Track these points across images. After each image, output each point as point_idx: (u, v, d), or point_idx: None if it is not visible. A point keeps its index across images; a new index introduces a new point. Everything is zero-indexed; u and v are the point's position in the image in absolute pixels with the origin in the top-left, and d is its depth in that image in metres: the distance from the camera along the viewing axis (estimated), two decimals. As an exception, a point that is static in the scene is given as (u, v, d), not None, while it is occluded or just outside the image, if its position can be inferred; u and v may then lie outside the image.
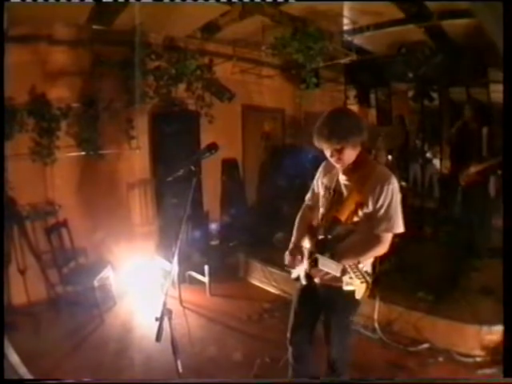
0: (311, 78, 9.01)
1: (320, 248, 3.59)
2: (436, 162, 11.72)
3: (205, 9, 7.04)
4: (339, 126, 3.39)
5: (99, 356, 5.70)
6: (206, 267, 7.54)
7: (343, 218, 3.55)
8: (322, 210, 3.84)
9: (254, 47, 9.15)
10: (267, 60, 10.19)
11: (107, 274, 7.23)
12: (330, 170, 3.89)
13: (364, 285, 3.42)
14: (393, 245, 7.49)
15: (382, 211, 3.45)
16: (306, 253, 3.81)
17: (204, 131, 8.95)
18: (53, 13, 6.37)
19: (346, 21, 8.33)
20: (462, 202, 8.44)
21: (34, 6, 5.61)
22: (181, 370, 3.11)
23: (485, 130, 7.74)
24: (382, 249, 3.59)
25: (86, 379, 4.92)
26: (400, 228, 3.55)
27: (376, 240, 3.55)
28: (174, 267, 3.22)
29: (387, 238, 3.56)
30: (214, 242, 9.26)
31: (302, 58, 8.24)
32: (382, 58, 10.69)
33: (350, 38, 8.93)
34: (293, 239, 4.07)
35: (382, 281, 6.31)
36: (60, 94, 7.37)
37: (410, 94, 12.13)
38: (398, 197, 3.49)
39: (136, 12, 6.81)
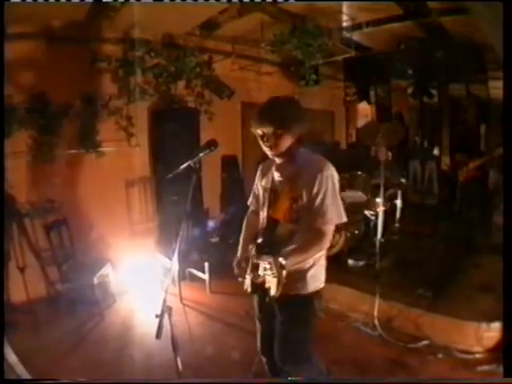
0: (311, 74, 9.04)
1: (260, 253, 3.40)
2: (435, 158, 11.76)
3: (203, 6, 7.03)
4: (283, 111, 3.32)
5: (99, 353, 5.70)
6: (206, 264, 7.53)
7: (279, 216, 3.46)
8: (262, 214, 3.72)
9: (253, 44, 9.15)
10: (266, 57, 10.20)
11: (107, 271, 7.22)
12: (266, 171, 3.80)
13: (275, 279, 3.13)
14: (392, 242, 7.52)
15: (318, 202, 3.27)
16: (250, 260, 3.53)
17: (204, 128, 8.94)
18: (52, 10, 6.37)
19: (344, 17, 8.32)
20: (462, 198, 8.45)
21: (34, 4, 5.61)
22: (181, 368, 3.11)
23: (484, 126, 7.75)
24: (325, 242, 3.37)
25: (82, 379, 4.91)
26: (341, 218, 3.37)
27: (317, 234, 3.33)
28: (175, 264, 3.22)
29: (328, 231, 3.35)
30: (214, 239, 9.26)
31: (301, 55, 8.26)
32: (381, 54, 10.70)
33: (348, 35, 8.94)
34: (239, 249, 3.92)
35: (381, 277, 6.35)
36: (59, 91, 7.35)
37: (410, 90, 12.16)
38: (334, 185, 3.33)
39: (135, 9, 6.81)
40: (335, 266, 7.32)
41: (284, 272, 3.07)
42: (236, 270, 3.66)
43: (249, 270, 3.42)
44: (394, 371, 5.10)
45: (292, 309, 3.48)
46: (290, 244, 3.38)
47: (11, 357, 4.29)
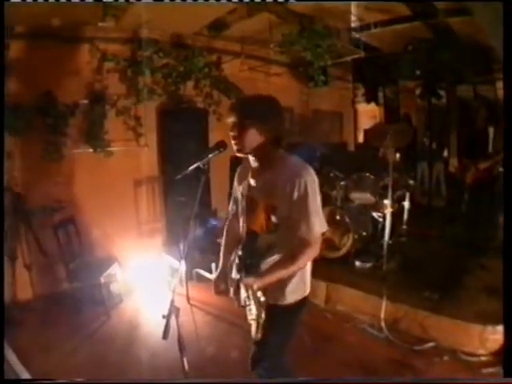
0: (319, 75, 9.06)
1: (241, 267, 3.26)
2: (443, 159, 11.75)
3: (211, 6, 7.05)
4: (252, 104, 3.20)
5: (105, 353, 5.71)
6: (213, 265, 7.53)
7: (257, 228, 3.25)
8: (241, 223, 3.49)
9: (261, 45, 9.17)
10: (275, 58, 10.21)
11: (114, 270, 7.25)
12: (243, 175, 3.53)
13: (255, 322, 3.05)
14: (400, 243, 7.48)
15: (299, 209, 3.01)
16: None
17: (212, 129, 8.95)
18: (59, 10, 6.38)
19: (353, 18, 8.32)
20: (469, 200, 8.44)
21: (43, 3, 5.63)
22: (187, 368, 3.11)
23: (492, 128, 7.74)
24: (312, 252, 3.11)
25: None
26: (323, 226, 3.12)
27: (302, 244, 3.07)
28: (182, 265, 3.17)
29: (314, 239, 3.07)
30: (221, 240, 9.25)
31: (309, 56, 8.27)
32: (389, 55, 10.70)
33: (357, 36, 8.93)
34: (220, 259, 3.81)
35: (388, 279, 6.34)
36: (67, 90, 7.41)
37: (418, 91, 12.16)
38: (315, 191, 3.06)
39: (142, 9, 6.83)
40: (342, 267, 7.36)
41: (263, 313, 2.97)
42: (215, 288, 3.64)
43: (232, 289, 3.35)
44: (399, 373, 5.10)
45: (269, 318, 3.20)
46: (271, 257, 3.20)
47: (11, 357, 4.31)
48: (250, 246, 3.25)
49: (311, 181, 3.04)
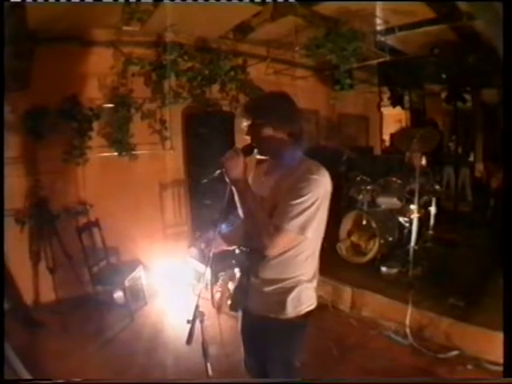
0: (345, 79, 8.99)
1: (239, 267, 3.26)
2: (469, 164, 11.66)
3: (236, 9, 7.04)
4: (265, 102, 3.11)
5: (127, 356, 5.73)
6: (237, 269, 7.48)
7: None
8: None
9: (287, 48, 9.14)
10: (301, 61, 10.16)
11: (138, 273, 7.27)
12: (258, 173, 3.43)
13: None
14: (426, 249, 7.39)
15: (290, 197, 2.74)
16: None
17: (238, 132, 8.89)
18: (84, 14, 6.41)
19: (378, 21, 8.26)
20: (495, 205, 8.35)
21: (66, 7, 5.66)
22: (211, 373, 3.07)
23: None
24: (272, 245, 2.76)
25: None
26: (304, 232, 2.76)
27: (272, 230, 2.73)
28: (208, 270, 3.11)
29: (282, 237, 2.73)
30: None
31: (335, 59, 8.21)
32: (414, 58, 10.63)
33: (382, 39, 8.85)
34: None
35: (414, 285, 6.28)
36: (92, 94, 7.50)
37: (443, 95, 12.05)
38: (324, 196, 2.83)
39: (168, 13, 6.84)
40: (368, 272, 7.30)
41: (230, 284, 2.82)
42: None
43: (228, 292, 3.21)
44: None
45: (269, 334, 3.09)
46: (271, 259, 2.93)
47: (11, 357, 4.31)
48: (249, 246, 3.13)
49: (322, 182, 2.81)
